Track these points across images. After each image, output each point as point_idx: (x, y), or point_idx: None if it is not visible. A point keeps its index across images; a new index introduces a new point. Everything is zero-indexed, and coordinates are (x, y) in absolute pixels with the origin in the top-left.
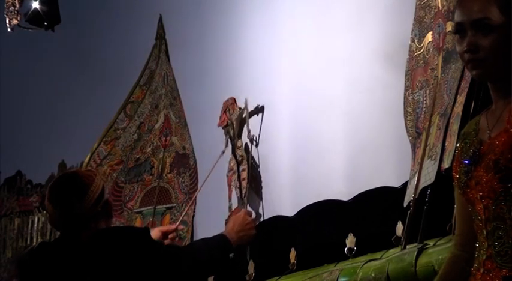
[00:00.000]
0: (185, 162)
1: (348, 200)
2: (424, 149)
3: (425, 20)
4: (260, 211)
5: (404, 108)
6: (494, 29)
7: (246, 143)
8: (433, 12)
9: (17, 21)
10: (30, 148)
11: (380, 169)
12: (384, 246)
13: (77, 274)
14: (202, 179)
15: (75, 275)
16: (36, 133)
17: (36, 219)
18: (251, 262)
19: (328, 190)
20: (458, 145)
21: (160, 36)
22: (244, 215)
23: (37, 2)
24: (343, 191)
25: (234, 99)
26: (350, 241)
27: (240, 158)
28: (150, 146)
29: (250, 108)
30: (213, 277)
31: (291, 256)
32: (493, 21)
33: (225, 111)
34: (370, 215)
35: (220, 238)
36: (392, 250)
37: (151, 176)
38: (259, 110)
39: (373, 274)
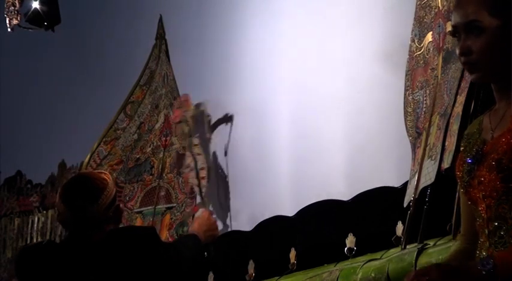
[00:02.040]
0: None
1: (347, 200)
2: (424, 149)
3: (425, 20)
4: (228, 222)
5: (404, 108)
6: (485, 30)
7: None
8: (433, 12)
9: (17, 21)
10: (30, 148)
11: (380, 169)
12: (384, 246)
13: (87, 273)
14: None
15: (85, 274)
16: (36, 133)
17: (36, 219)
18: (251, 262)
19: (328, 189)
20: (462, 144)
21: (160, 36)
22: (209, 216)
23: (37, 2)
24: (343, 191)
25: (187, 95)
26: (350, 241)
27: (197, 156)
28: (150, 146)
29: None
30: (213, 277)
31: (291, 256)
32: (483, 23)
33: (178, 108)
34: (370, 215)
35: (195, 236)
36: (392, 250)
37: (151, 176)
38: (228, 119)
39: (373, 274)
